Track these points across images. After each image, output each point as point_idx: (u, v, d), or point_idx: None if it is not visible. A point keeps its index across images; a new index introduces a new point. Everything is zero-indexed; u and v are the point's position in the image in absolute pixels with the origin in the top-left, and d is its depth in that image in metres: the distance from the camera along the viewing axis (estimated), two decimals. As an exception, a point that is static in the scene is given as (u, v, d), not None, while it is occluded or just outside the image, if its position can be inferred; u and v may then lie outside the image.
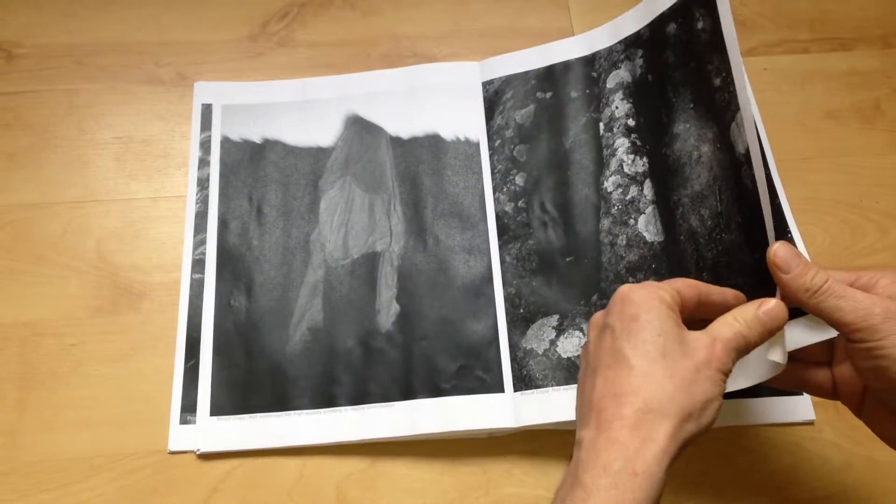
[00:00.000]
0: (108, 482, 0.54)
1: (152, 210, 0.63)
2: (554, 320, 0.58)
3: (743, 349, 0.43)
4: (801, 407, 0.57)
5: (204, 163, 0.64)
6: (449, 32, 0.72)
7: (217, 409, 0.56)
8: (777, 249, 0.45)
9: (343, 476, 0.55)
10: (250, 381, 0.57)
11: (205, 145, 0.65)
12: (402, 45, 0.71)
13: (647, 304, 0.42)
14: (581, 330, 0.58)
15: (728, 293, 0.46)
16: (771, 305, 0.44)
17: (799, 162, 0.67)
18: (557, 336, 0.58)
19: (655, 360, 0.40)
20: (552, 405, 0.55)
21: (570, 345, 0.57)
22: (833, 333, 0.46)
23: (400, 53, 0.70)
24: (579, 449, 0.40)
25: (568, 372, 0.56)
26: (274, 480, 0.54)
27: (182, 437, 0.55)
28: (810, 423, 0.57)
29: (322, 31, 0.71)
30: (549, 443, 0.56)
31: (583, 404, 0.42)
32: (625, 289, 0.44)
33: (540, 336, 0.58)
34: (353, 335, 0.58)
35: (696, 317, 0.45)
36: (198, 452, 0.55)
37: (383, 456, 0.55)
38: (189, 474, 0.55)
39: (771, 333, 0.44)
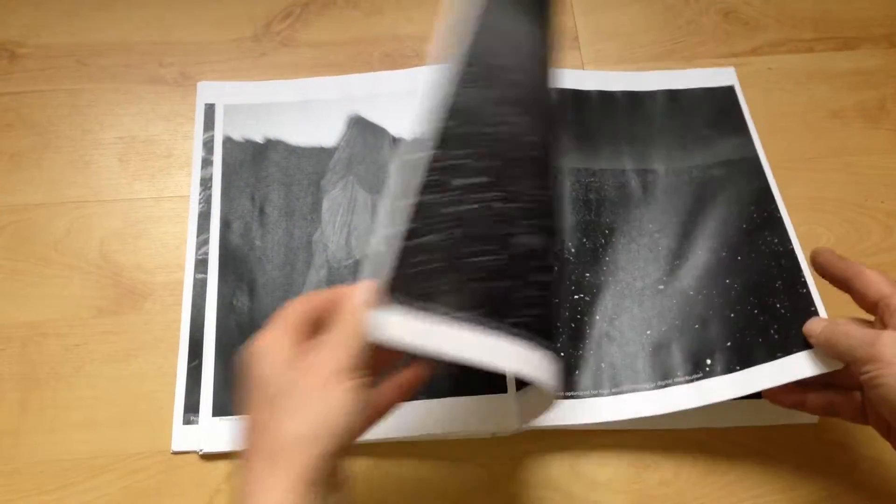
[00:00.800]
0: (111, 483, 0.54)
1: (155, 210, 0.63)
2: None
3: (363, 338, 0.41)
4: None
5: (207, 163, 0.64)
6: (452, 32, 0.72)
7: (220, 410, 0.56)
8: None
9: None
10: None
11: (207, 145, 0.65)
12: (405, 45, 0.71)
13: (254, 357, 0.41)
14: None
15: (335, 292, 0.44)
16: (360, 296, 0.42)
17: (803, 161, 0.67)
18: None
19: (264, 403, 0.40)
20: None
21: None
22: (838, 365, 0.50)
23: (403, 53, 0.70)
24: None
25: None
26: (277, 481, 0.54)
27: (185, 438, 0.55)
28: (812, 424, 0.57)
29: (325, 31, 0.71)
30: (553, 443, 0.56)
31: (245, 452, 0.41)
32: (250, 347, 0.42)
33: None
34: None
35: None
36: (200, 453, 0.55)
37: (387, 456, 0.55)
38: (192, 475, 0.54)
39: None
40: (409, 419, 0.55)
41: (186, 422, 0.55)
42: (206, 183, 0.63)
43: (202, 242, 0.61)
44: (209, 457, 0.55)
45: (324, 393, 0.39)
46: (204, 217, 0.62)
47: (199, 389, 0.56)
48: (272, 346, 0.41)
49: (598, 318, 0.59)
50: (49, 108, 0.66)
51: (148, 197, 0.64)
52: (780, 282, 0.58)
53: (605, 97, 0.68)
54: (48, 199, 0.63)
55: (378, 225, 0.54)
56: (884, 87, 0.70)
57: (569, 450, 0.56)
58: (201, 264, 0.60)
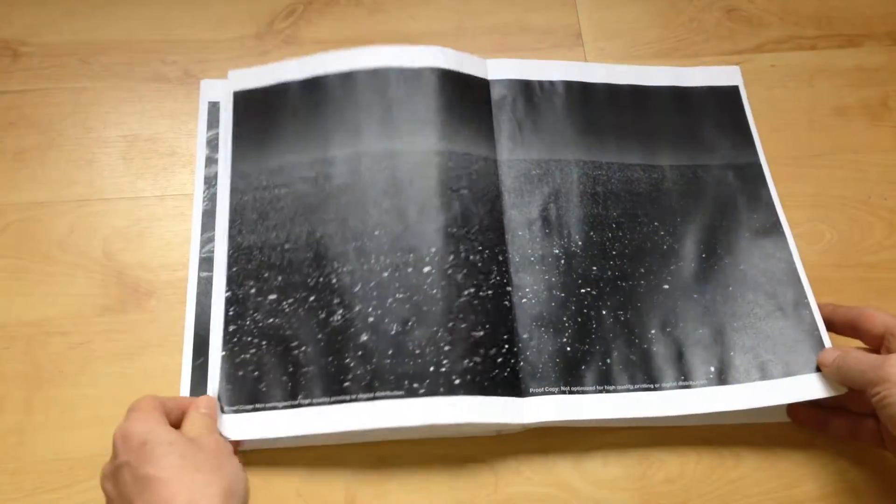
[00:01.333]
0: (116, 481, 0.54)
1: (159, 208, 0.63)
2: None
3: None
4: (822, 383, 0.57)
5: (210, 161, 0.64)
6: (454, 30, 0.72)
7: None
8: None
9: (352, 476, 0.55)
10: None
11: (211, 143, 0.64)
12: (408, 41, 0.70)
13: (146, 427, 0.47)
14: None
15: (183, 401, 0.53)
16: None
17: (807, 159, 0.67)
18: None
19: (179, 465, 0.45)
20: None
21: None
22: (842, 390, 0.54)
23: (406, 51, 0.70)
24: None
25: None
26: (283, 480, 0.54)
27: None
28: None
29: (328, 29, 0.71)
30: (558, 440, 0.56)
31: None
32: (119, 431, 0.48)
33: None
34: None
35: None
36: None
37: (392, 454, 0.55)
38: (197, 473, 0.54)
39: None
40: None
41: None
42: (209, 181, 0.63)
43: (206, 240, 0.61)
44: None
45: (231, 459, 0.48)
46: (208, 215, 0.62)
47: (204, 387, 0.56)
48: (149, 421, 0.48)
49: (604, 312, 0.59)
50: (52, 106, 0.66)
51: (151, 195, 0.63)
52: (783, 298, 0.59)
53: (612, 90, 0.68)
54: (51, 198, 0.63)
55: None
56: (887, 84, 0.70)
57: (573, 447, 0.56)
58: (206, 262, 0.60)
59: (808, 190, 0.66)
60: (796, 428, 0.57)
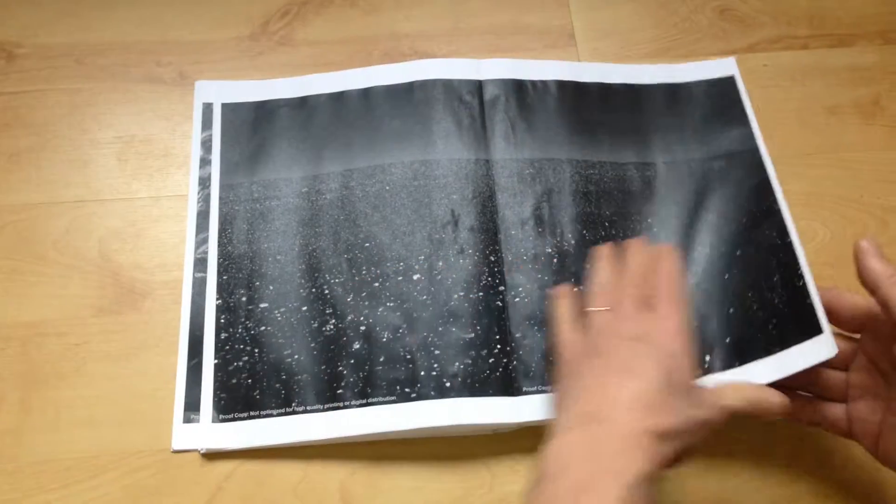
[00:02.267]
0: (112, 482, 0.54)
1: (154, 209, 0.63)
2: None
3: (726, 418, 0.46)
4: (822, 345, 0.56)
5: (205, 162, 0.64)
6: (450, 30, 0.72)
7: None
8: (864, 240, 0.50)
9: (347, 474, 0.55)
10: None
11: (206, 144, 0.65)
12: (403, 43, 0.71)
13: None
14: None
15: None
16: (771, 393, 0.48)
17: (799, 158, 0.67)
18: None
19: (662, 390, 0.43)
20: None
21: None
22: (834, 351, 0.52)
23: (401, 52, 0.70)
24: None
25: None
26: (278, 479, 0.54)
27: (186, 436, 0.55)
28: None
29: (323, 30, 0.71)
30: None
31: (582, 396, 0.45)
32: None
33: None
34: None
35: None
36: (202, 452, 0.55)
37: (387, 454, 0.55)
38: (193, 473, 0.54)
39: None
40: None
41: (187, 420, 0.56)
42: (204, 182, 0.63)
43: (201, 241, 0.61)
44: (210, 456, 0.55)
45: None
46: (203, 216, 0.62)
47: (199, 388, 0.56)
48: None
49: None
50: (47, 107, 0.66)
51: (146, 196, 0.64)
52: (777, 276, 0.58)
53: (604, 89, 0.68)
54: (47, 199, 0.63)
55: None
56: (879, 83, 0.71)
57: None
58: (200, 263, 0.60)
59: (801, 189, 0.66)
60: (790, 426, 0.57)
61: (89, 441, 0.55)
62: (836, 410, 0.52)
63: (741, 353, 0.56)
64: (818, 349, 0.53)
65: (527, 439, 0.56)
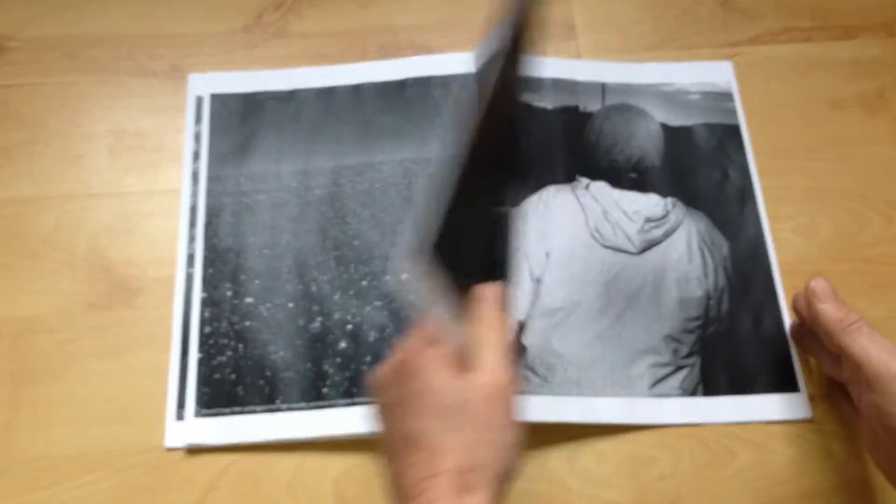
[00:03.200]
0: (104, 479, 0.53)
1: (146, 204, 0.62)
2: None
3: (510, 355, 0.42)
4: (798, 404, 0.57)
5: (197, 155, 0.63)
6: (446, 23, 0.71)
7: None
8: (816, 280, 0.50)
9: (341, 472, 0.54)
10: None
11: (198, 137, 0.64)
12: (399, 36, 0.70)
13: (430, 369, 0.40)
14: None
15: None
16: (495, 291, 0.43)
17: (803, 152, 0.66)
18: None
19: (456, 430, 0.39)
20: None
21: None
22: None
23: (397, 44, 0.69)
24: None
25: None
26: (271, 476, 0.54)
27: (178, 433, 0.55)
28: (808, 420, 0.57)
29: (317, 22, 0.70)
30: (550, 437, 0.56)
31: (396, 487, 0.40)
32: (406, 353, 0.42)
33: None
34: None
35: None
36: (186, 448, 0.54)
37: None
38: (185, 471, 0.54)
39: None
40: None
41: (179, 417, 0.55)
42: (196, 176, 0.62)
43: (194, 236, 0.60)
44: (202, 453, 0.54)
45: (503, 423, 0.40)
46: (195, 211, 0.61)
47: (185, 383, 0.56)
48: (435, 360, 0.41)
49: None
50: (39, 101, 0.66)
51: (139, 191, 0.63)
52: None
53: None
54: (38, 194, 0.62)
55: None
56: (883, 76, 0.70)
57: (567, 443, 0.56)
58: (191, 258, 0.60)
59: (804, 183, 0.65)
60: (790, 425, 0.56)
61: (80, 438, 0.54)
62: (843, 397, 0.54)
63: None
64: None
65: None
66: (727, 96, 0.67)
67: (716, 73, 0.68)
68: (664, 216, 0.62)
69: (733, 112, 0.66)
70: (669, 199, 0.63)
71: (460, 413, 0.39)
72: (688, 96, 0.67)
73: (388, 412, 0.42)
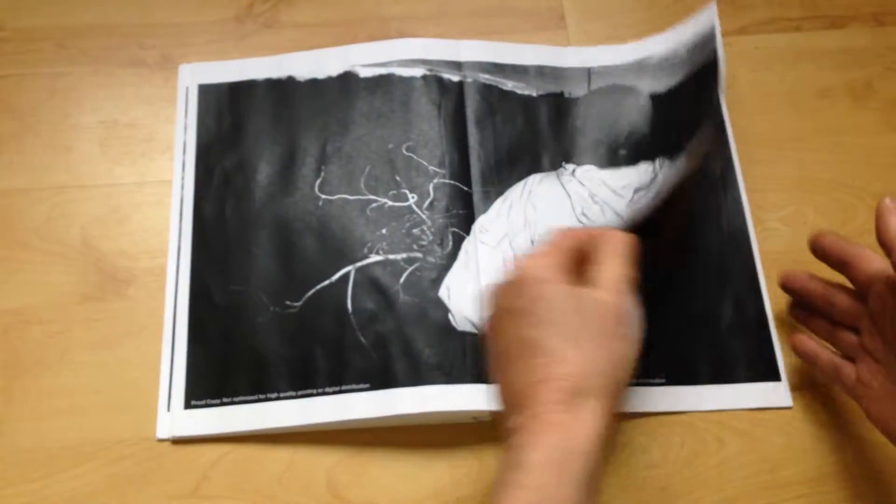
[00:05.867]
0: (97, 470, 0.54)
1: (137, 195, 0.62)
2: None
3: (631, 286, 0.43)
4: (777, 393, 0.58)
5: (187, 146, 0.63)
6: (437, 13, 0.71)
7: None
8: (889, 198, 0.48)
9: (334, 463, 0.54)
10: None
11: (188, 128, 0.64)
12: (389, 25, 0.70)
13: (546, 279, 0.42)
14: None
15: (594, 232, 0.46)
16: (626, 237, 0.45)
17: (791, 142, 0.66)
18: None
19: (570, 339, 0.40)
20: None
21: None
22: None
23: (387, 34, 0.69)
24: (512, 434, 0.40)
25: None
26: (264, 468, 0.54)
27: (169, 424, 0.55)
28: (787, 408, 0.57)
29: (308, 12, 0.70)
30: (541, 426, 0.56)
31: (507, 393, 0.42)
32: (522, 266, 0.43)
33: None
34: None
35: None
36: (171, 439, 0.54)
37: (373, 443, 0.55)
38: (178, 461, 0.54)
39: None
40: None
41: (170, 408, 0.55)
42: (186, 166, 0.62)
43: (183, 227, 0.60)
44: (191, 442, 0.54)
45: (615, 337, 0.41)
46: (185, 201, 0.61)
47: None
48: (550, 271, 0.42)
49: None
50: (29, 92, 0.65)
51: (130, 182, 0.63)
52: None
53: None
54: (28, 185, 0.62)
55: None
56: (871, 66, 0.70)
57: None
58: (182, 249, 0.60)
59: (792, 173, 0.65)
60: (778, 413, 0.57)
61: (73, 430, 0.55)
62: (848, 370, 0.53)
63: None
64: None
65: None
66: (710, 38, 0.64)
67: (698, 24, 0.66)
68: (653, 179, 0.62)
69: (714, 52, 0.63)
70: (657, 161, 0.63)
71: (577, 324, 0.41)
72: (674, 59, 0.67)
73: (505, 319, 0.43)
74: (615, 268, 0.43)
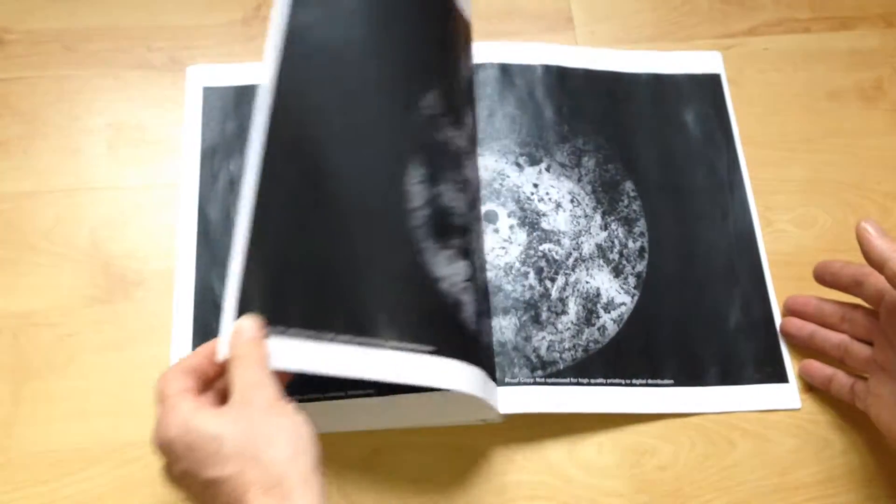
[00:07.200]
0: (105, 473, 0.54)
1: (145, 197, 0.62)
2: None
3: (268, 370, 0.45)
4: (786, 394, 0.58)
5: (194, 148, 0.63)
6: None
7: None
8: (865, 222, 0.50)
9: (343, 464, 0.54)
10: None
11: (195, 131, 0.63)
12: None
13: (181, 424, 0.42)
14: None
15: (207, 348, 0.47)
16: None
17: (800, 143, 0.66)
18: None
19: (237, 454, 0.41)
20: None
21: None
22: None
23: (395, 36, 0.69)
24: None
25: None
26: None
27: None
28: (796, 410, 0.57)
29: (316, 14, 0.70)
30: (551, 429, 0.56)
31: None
32: (157, 438, 0.44)
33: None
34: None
35: None
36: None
37: (384, 444, 0.55)
38: (187, 464, 0.54)
39: None
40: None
41: (180, 411, 0.55)
42: (193, 169, 0.62)
43: (190, 229, 0.60)
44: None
45: (280, 419, 0.42)
46: (192, 203, 0.61)
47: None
48: (194, 413, 0.42)
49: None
50: (36, 94, 0.65)
51: (138, 184, 0.63)
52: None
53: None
54: (37, 188, 0.62)
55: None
56: (881, 67, 0.70)
57: (567, 435, 0.56)
58: (190, 251, 0.59)
59: (802, 175, 0.65)
60: (789, 415, 0.57)
61: (82, 433, 0.55)
62: (860, 386, 0.54)
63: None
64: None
65: (524, 429, 0.56)
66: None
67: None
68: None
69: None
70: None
71: (240, 444, 0.41)
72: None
73: (182, 480, 0.43)
74: (243, 373, 0.44)
